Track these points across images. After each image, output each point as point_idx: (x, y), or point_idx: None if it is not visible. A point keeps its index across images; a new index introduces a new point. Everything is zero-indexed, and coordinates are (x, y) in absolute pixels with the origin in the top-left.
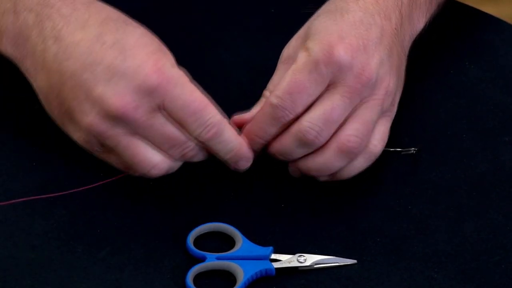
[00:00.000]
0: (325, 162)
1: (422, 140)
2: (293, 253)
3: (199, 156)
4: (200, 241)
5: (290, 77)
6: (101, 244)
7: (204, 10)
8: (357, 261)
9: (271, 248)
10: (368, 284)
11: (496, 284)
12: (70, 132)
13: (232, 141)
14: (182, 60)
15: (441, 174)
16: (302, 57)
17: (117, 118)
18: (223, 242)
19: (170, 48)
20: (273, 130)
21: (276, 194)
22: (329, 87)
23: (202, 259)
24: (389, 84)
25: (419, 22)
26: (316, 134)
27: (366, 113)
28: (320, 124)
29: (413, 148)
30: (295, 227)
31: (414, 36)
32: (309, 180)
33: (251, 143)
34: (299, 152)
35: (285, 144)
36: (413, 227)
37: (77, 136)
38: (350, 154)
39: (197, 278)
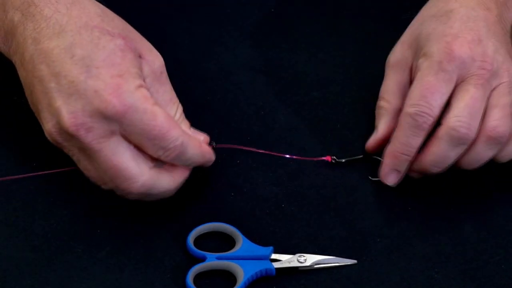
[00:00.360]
0: (477, 156)
1: None
2: (293, 253)
3: (148, 198)
4: (200, 241)
5: (419, 83)
6: (101, 244)
7: (204, 10)
8: (357, 261)
9: (271, 248)
10: (368, 284)
11: (496, 284)
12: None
13: (194, 156)
14: (182, 61)
15: (441, 174)
16: (424, 63)
17: (69, 135)
18: (223, 242)
19: (171, 49)
20: (417, 141)
21: (276, 194)
22: (459, 83)
23: (202, 259)
24: (509, 69)
25: None
26: (466, 126)
27: (500, 98)
28: (466, 115)
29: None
30: (295, 227)
31: None
32: (309, 180)
33: (396, 163)
34: (453, 154)
35: (438, 151)
36: (413, 227)
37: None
38: (499, 140)
39: (197, 278)
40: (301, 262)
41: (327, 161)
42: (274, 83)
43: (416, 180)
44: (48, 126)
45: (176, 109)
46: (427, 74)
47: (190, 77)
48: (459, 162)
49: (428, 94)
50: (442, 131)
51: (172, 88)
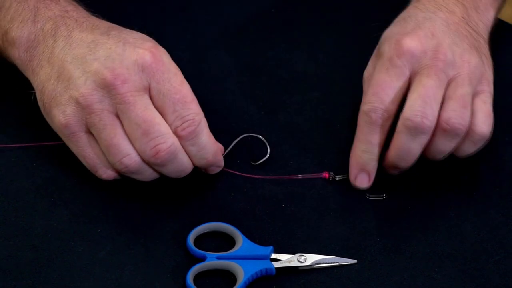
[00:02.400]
0: (437, 147)
1: None
2: (293, 253)
3: (168, 167)
4: (200, 241)
5: (372, 82)
6: (101, 244)
7: (204, 10)
8: (357, 261)
9: (271, 247)
10: (368, 284)
11: (496, 284)
12: (54, 116)
13: (208, 145)
14: (182, 61)
15: (442, 174)
16: (377, 62)
17: (105, 88)
18: (223, 242)
19: (170, 49)
20: (375, 138)
21: (276, 194)
22: (413, 76)
23: (202, 259)
24: (470, 60)
25: (488, 11)
26: (420, 114)
27: (457, 89)
28: (420, 104)
29: (383, 194)
30: (295, 227)
31: (489, 23)
32: (309, 180)
33: (361, 163)
34: (414, 146)
35: (399, 143)
36: (413, 227)
37: (60, 118)
38: (455, 132)
39: (197, 277)
40: (301, 262)
41: (326, 167)
42: (274, 83)
43: (416, 180)
44: (81, 90)
45: None
46: (379, 71)
47: (190, 77)
48: (425, 153)
49: (379, 90)
50: (399, 123)
51: None
